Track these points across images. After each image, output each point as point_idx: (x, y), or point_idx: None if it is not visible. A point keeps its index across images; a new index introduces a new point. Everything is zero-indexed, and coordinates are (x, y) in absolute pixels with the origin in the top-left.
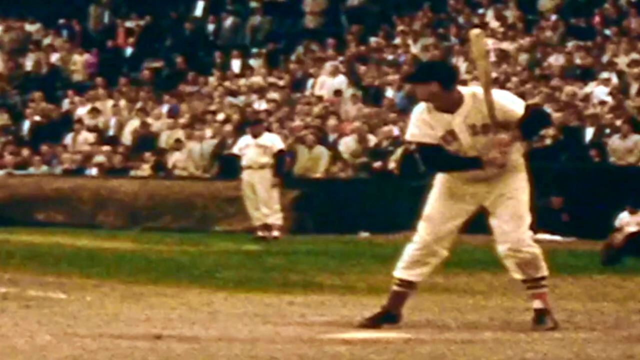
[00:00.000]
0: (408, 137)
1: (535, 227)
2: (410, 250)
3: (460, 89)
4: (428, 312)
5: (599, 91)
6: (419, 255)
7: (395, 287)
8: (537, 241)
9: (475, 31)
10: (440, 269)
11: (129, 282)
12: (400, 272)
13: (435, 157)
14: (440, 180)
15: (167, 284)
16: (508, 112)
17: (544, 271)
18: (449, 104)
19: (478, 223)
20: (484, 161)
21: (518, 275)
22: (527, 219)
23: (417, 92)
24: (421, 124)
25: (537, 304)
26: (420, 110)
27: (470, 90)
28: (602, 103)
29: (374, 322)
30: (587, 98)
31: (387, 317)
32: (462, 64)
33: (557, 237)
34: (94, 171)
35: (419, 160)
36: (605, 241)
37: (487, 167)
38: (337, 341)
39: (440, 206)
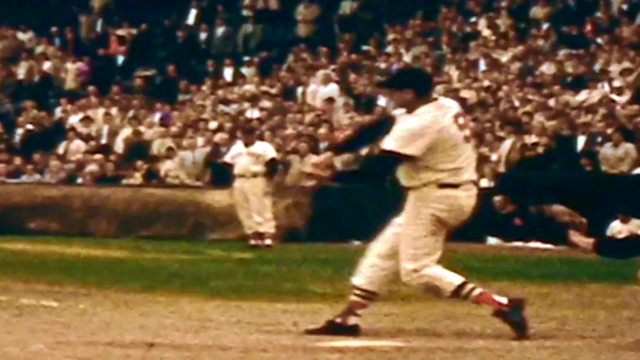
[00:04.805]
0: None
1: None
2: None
3: (439, 98)
4: (420, 320)
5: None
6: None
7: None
8: (532, 249)
9: None
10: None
11: (121, 290)
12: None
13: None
14: None
15: (160, 292)
16: None
17: (451, 285)
18: None
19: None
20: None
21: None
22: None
23: (392, 98)
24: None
25: (488, 308)
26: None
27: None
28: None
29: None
30: (579, 106)
31: (338, 327)
32: (454, 72)
33: (549, 245)
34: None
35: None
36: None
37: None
38: (330, 349)
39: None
